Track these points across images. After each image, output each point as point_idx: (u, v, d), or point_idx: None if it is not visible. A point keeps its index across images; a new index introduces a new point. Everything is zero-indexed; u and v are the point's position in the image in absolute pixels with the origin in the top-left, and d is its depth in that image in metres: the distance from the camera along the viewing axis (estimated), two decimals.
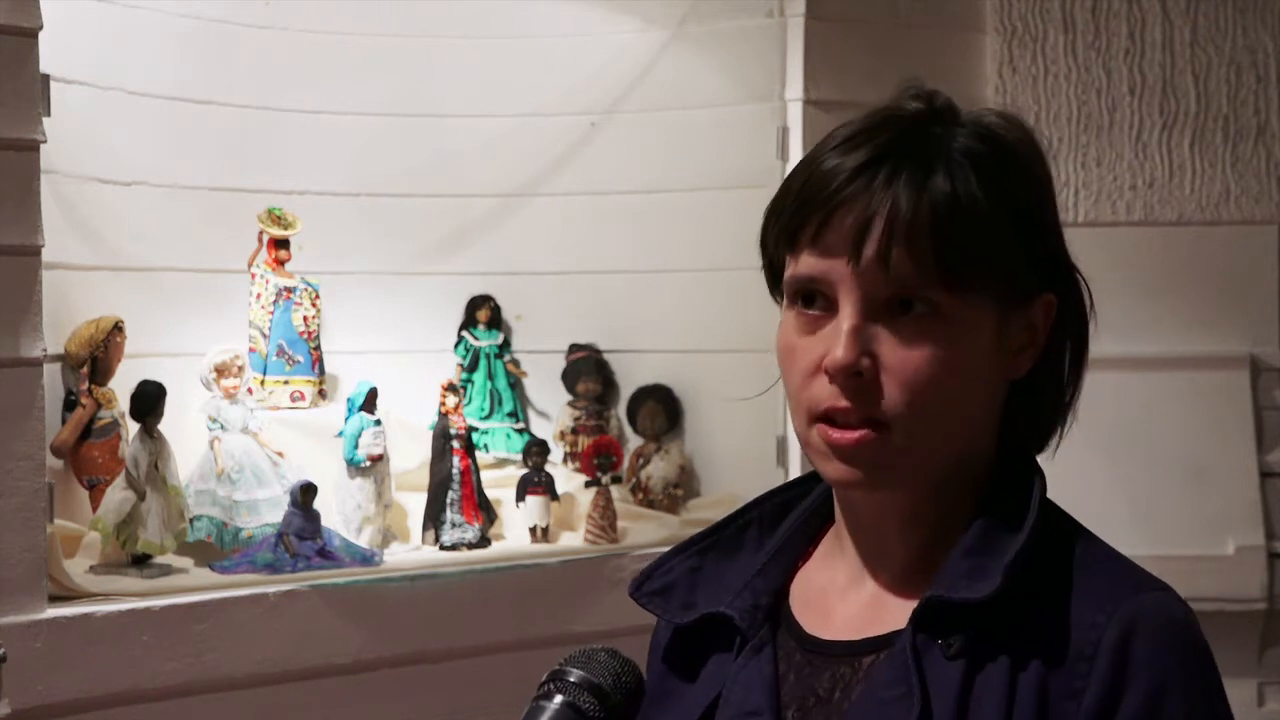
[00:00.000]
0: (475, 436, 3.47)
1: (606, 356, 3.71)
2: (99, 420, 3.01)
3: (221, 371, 3.15)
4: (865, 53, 3.49)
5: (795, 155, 3.44)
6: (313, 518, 3.05)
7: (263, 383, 3.34)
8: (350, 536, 3.13)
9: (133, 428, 2.97)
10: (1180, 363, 3.59)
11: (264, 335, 3.35)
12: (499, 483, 3.45)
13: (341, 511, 3.18)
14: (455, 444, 3.31)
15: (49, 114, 2.69)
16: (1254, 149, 3.66)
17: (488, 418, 3.61)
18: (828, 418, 1.23)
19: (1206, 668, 1.21)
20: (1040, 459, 1.32)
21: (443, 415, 3.34)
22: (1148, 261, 3.64)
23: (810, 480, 1.40)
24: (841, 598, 1.31)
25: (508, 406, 3.64)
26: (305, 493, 3.05)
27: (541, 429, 3.68)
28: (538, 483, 3.37)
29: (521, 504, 3.36)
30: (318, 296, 3.41)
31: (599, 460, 3.41)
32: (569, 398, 3.69)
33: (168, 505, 2.94)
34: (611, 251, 3.69)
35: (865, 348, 1.21)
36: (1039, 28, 3.67)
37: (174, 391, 3.01)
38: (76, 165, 3.06)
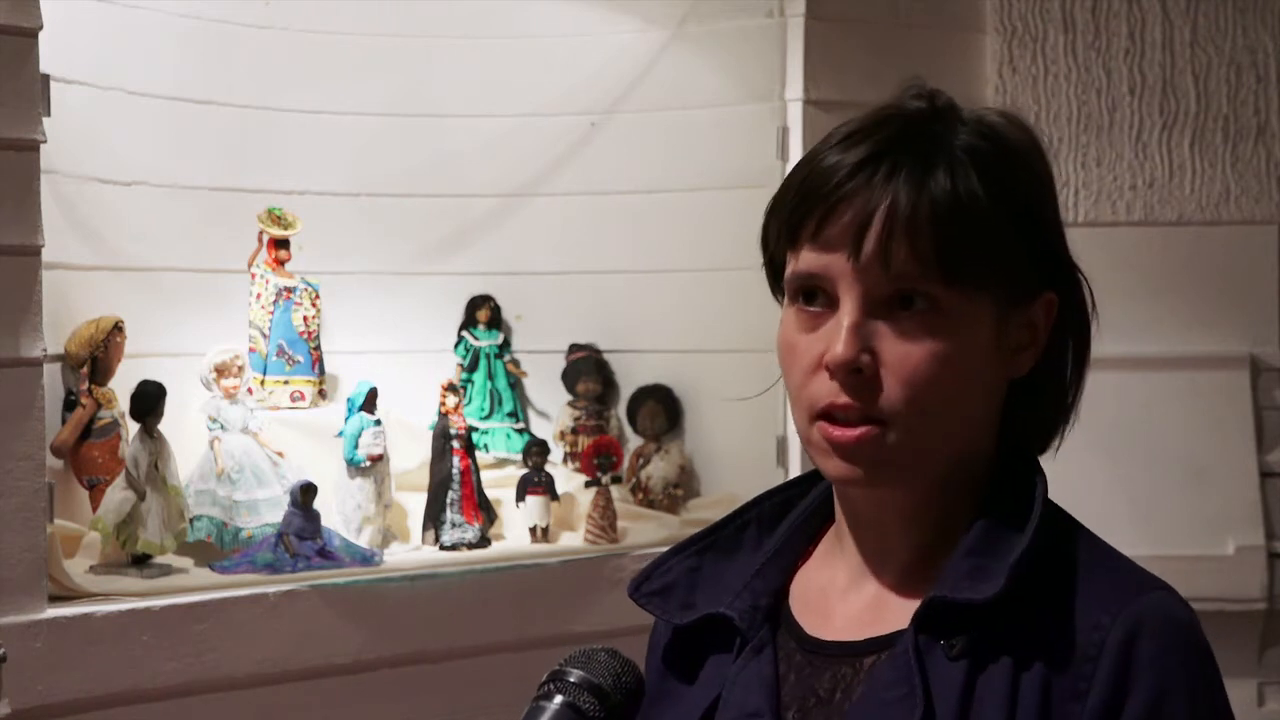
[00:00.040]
0: (475, 436, 3.47)
1: (606, 356, 3.71)
2: (99, 420, 3.01)
3: (221, 371, 3.15)
4: (865, 53, 3.49)
5: (795, 155, 3.44)
6: (313, 518, 3.05)
7: (263, 383, 3.34)
8: (350, 536, 3.13)
9: (133, 428, 2.97)
10: (1180, 363, 3.59)
11: (264, 335, 3.35)
12: (499, 483, 3.45)
13: (341, 511, 3.18)
14: (455, 444, 3.31)
15: (49, 114, 2.69)
16: (1254, 149, 3.66)
17: (488, 418, 3.61)
18: (828, 415, 1.23)
19: (1209, 668, 1.21)
20: (1041, 459, 1.32)
21: (443, 415, 3.34)
22: (1148, 261, 3.64)
23: (809, 480, 1.40)
24: (842, 598, 1.30)
25: (508, 406, 3.64)
26: (305, 493, 3.05)
27: (541, 429, 3.68)
28: (538, 483, 3.37)
29: (521, 504, 3.36)
30: (318, 296, 3.41)
31: (599, 460, 3.41)
32: (569, 398, 3.69)
33: (168, 505, 2.94)
34: (611, 251, 3.69)
35: (865, 344, 1.21)
36: (1039, 28, 3.67)
37: (174, 391, 3.01)
38: (76, 165, 3.06)
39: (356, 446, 3.18)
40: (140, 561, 2.92)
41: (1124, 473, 3.49)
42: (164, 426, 2.97)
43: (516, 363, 3.68)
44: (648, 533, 3.41)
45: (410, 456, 3.38)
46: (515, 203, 3.68)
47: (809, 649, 1.29)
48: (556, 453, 3.60)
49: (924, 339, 1.21)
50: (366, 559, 3.09)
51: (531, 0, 3.63)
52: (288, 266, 3.38)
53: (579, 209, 3.68)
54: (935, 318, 1.21)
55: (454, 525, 3.27)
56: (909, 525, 1.27)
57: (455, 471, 3.30)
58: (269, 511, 3.07)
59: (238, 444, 3.12)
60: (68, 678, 2.66)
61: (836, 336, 1.21)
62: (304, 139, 3.49)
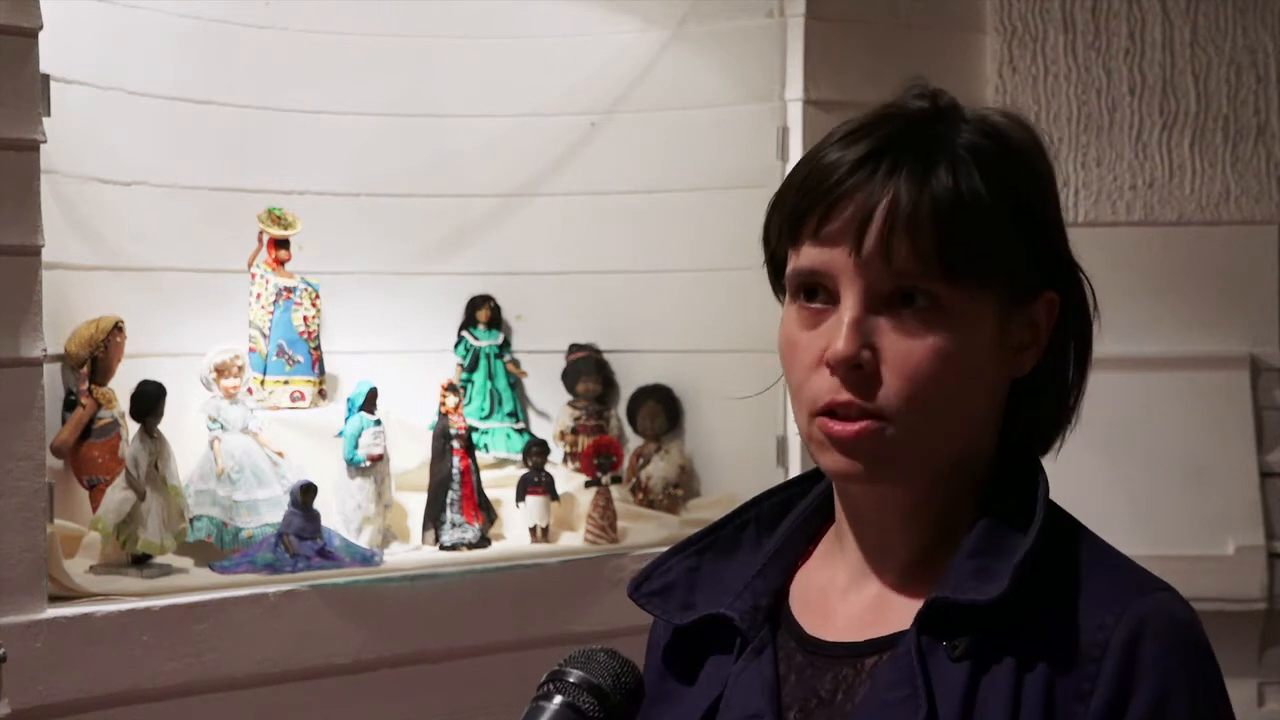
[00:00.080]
0: (475, 436, 3.47)
1: (606, 356, 3.71)
2: (99, 420, 3.01)
3: (221, 371, 3.15)
4: (865, 53, 3.49)
5: (795, 155, 3.44)
6: (313, 518, 3.05)
7: (263, 383, 3.34)
8: (350, 536, 3.13)
9: (133, 428, 2.97)
10: (1180, 363, 3.59)
11: (264, 335, 3.35)
12: (499, 483, 3.45)
13: (341, 511, 3.18)
14: (455, 444, 3.31)
15: (49, 114, 2.69)
16: (1254, 149, 3.66)
17: (488, 418, 3.61)
18: (829, 411, 1.22)
19: (1211, 669, 1.21)
20: (1042, 459, 1.31)
21: (443, 415, 3.34)
22: (1148, 261, 3.64)
23: (809, 479, 1.40)
24: (842, 598, 1.30)
25: (508, 406, 3.64)
26: (305, 493, 3.05)
27: (541, 429, 3.68)
28: (538, 483, 3.37)
29: (521, 504, 3.36)
30: (318, 296, 3.41)
31: (599, 460, 3.41)
32: (569, 398, 3.69)
33: (168, 505, 2.94)
34: (611, 251, 3.69)
35: (866, 340, 1.21)
36: (1039, 28, 3.67)
37: (174, 391, 3.01)
38: (76, 165, 3.06)
39: (356, 446, 3.18)
40: (140, 561, 2.92)
41: (1124, 473, 3.49)
42: (164, 426, 2.97)
43: (516, 363, 3.68)
44: (648, 533, 3.41)
45: (410, 456, 3.38)
46: (515, 203, 3.68)
47: (809, 649, 1.28)
48: (556, 453, 3.60)
49: (925, 336, 1.21)
50: (366, 559, 3.09)
51: (531, 0, 3.63)
52: (288, 266, 3.38)
53: (579, 209, 3.68)
54: (937, 315, 1.21)
55: (454, 525, 3.27)
56: (909, 524, 1.27)
57: (455, 471, 3.30)
58: (269, 511, 3.07)
59: (238, 444, 3.12)
60: (68, 678, 2.66)
61: (837, 332, 1.21)
62: (304, 139, 3.49)
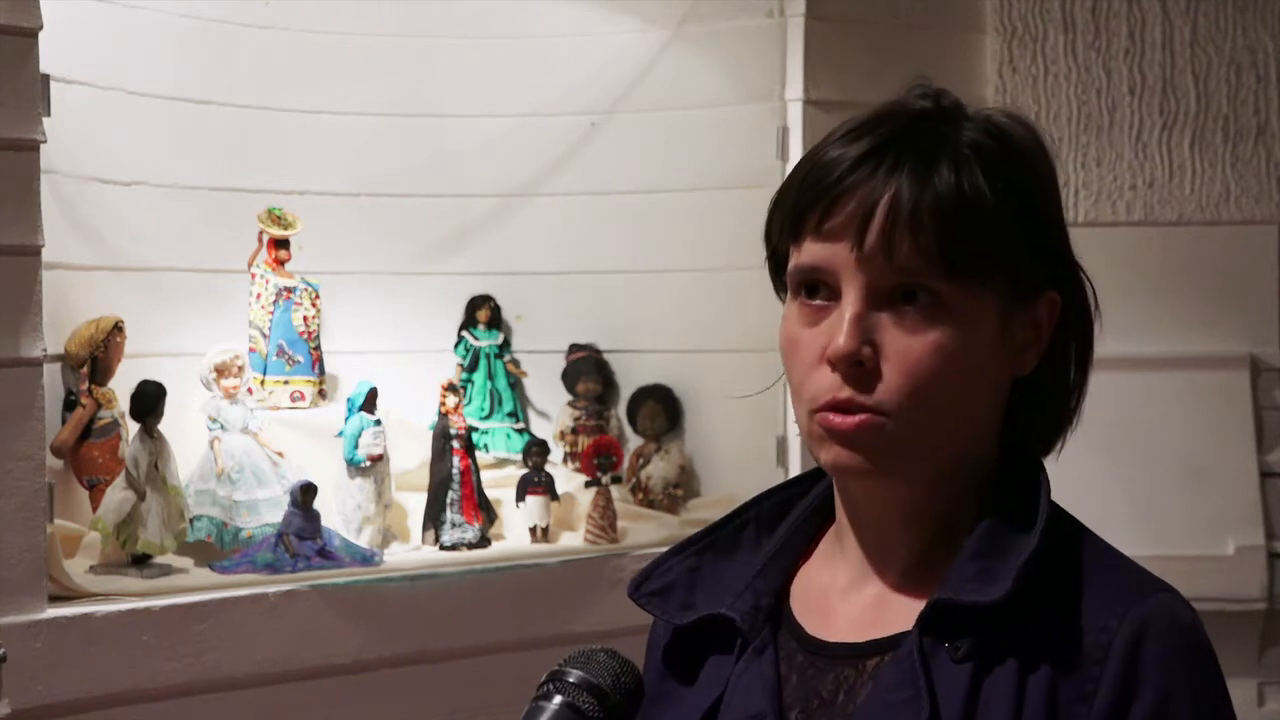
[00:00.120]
0: (475, 436, 3.47)
1: (606, 356, 3.71)
2: (99, 420, 3.01)
3: (221, 371, 3.15)
4: (865, 53, 3.49)
5: (795, 155, 3.44)
6: (313, 518, 3.05)
7: (263, 383, 3.34)
8: (350, 536, 3.13)
9: (133, 428, 2.97)
10: (1180, 363, 3.59)
11: (264, 335, 3.35)
12: (499, 483, 3.45)
13: (341, 511, 3.18)
14: (455, 444, 3.31)
15: (49, 114, 2.69)
16: (1254, 149, 3.66)
17: (488, 418, 3.61)
18: (829, 408, 1.22)
19: (1213, 670, 1.21)
20: (1043, 461, 1.31)
21: (443, 415, 3.34)
22: (1148, 261, 3.64)
23: (808, 479, 1.40)
24: (843, 598, 1.30)
25: (508, 406, 3.64)
26: (305, 493, 3.05)
27: (541, 429, 3.68)
28: (538, 483, 3.37)
29: (521, 504, 3.36)
30: (318, 296, 3.41)
31: (599, 460, 3.41)
32: (569, 398, 3.69)
33: (168, 505, 2.94)
34: (611, 251, 3.69)
35: (867, 336, 1.21)
36: (1039, 28, 3.67)
37: (174, 391, 3.01)
38: (76, 165, 3.06)
39: (356, 446, 3.18)
40: (140, 561, 2.92)
41: (1124, 473, 3.49)
42: (164, 426, 2.97)
43: (516, 363, 3.68)
44: (648, 533, 3.41)
45: (410, 456, 3.38)
46: (515, 203, 3.68)
47: (810, 650, 1.28)
48: (556, 453, 3.60)
49: (926, 332, 1.21)
50: (366, 559, 3.09)
51: (531, 0, 3.63)
52: (288, 266, 3.38)
53: (579, 209, 3.68)
54: (938, 312, 1.21)
55: (454, 525, 3.27)
56: (910, 523, 1.27)
57: (455, 471, 3.30)
58: (269, 511, 3.07)
59: (238, 444, 3.12)
60: (68, 678, 2.66)
61: (838, 329, 1.21)
62: (304, 139, 3.49)
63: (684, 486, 3.61)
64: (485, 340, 3.64)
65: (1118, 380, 3.43)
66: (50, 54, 2.69)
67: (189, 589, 2.88)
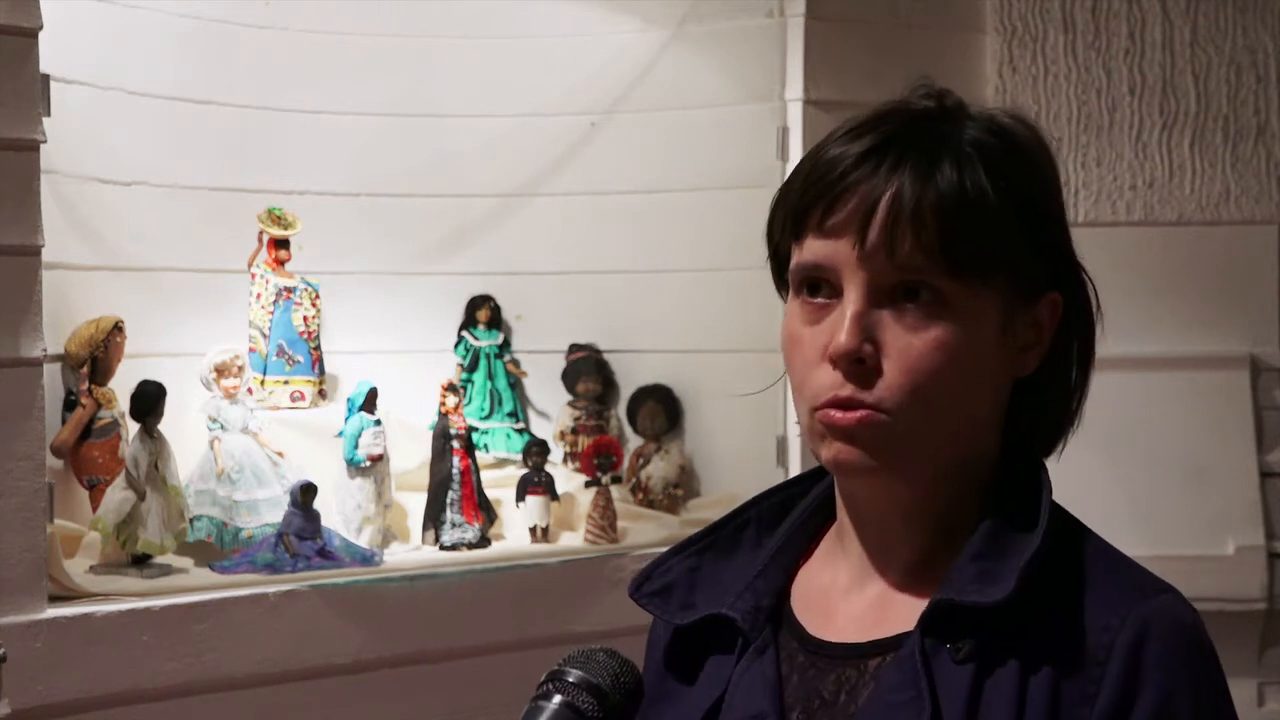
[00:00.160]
0: (475, 436, 3.47)
1: (606, 356, 3.71)
2: (99, 420, 3.01)
3: (221, 371, 3.15)
4: (865, 53, 3.49)
5: (795, 155, 3.44)
6: (313, 518, 3.05)
7: (263, 383, 3.34)
8: (350, 536, 3.13)
9: (133, 428, 2.97)
10: (1180, 363, 3.59)
11: (264, 335, 3.35)
12: (499, 483, 3.45)
13: (341, 511, 3.18)
14: (455, 444, 3.31)
15: (49, 114, 2.69)
16: (1254, 149, 3.66)
17: (488, 418, 3.61)
18: (830, 405, 1.22)
19: (1214, 671, 1.21)
20: (1045, 461, 1.31)
21: (443, 415, 3.34)
22: (1148, 261, 3.64)
23: (808, 479, 1.40)
24: (844, 598, 1.30)
25: (508, 406, 3.64)
26: (305, 493, 3.05)
27: (541, 429, 3.68)
28: (538, 483, 3.37)
29: (521, 504, 3.36)
30: (318, 296, 3.41)
31: (599, 460, 3.41)
32: (569, 398, 3.69)
33: (168, 505, 2.94)
34: (611, 251, 3.69)
35: (869, 334, 1.21)
36: (1039, 28, 3.67)
37: (174, 391, 3.01)
38: (76, 165, 3.06)
39: (356, 446, 3.18)
40: (140, 561, 2.92)
41: (1124, 473, 3.49)
42: (164, 426, 2.97)
43: (516, 363, 3.68)
44: (648, 533, 3.41)
45: (410, 456, 3.38)
46: (515, 203, 3.68)
47: (811, 650, 1.28)
48: (556, 453, 3.60)
49: (928, 330, 1.21)
50: (366, 559, 3.09)
51: (531, 0, 3.63)
52: (288, 266, 3.38)
53: (579, 209, 3.68)
54: (940, 310, 1.21)
55: (454, 525, 3.27)
56: (912, 524, 1.27)
57: (455, 471, 3.30)
58: (269, 511, 3.07)
59: (238, 444, 3.12)
60: (68, 678, 2.66)
61: (840, 326, 1.21)
62: (304, 139, 3.49)
63: (684, 486, 3.61)
64: (485, 340, 3.64)
65: (1118, 380, 3.43)
66: (50, 54, 2.68)
67: (189, 589, 2.88)
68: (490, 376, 3.63)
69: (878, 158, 1.22)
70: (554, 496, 3.38)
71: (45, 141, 2.66)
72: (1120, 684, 1.17)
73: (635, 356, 3.71)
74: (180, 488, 2.99)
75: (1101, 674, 1.17)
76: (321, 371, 3.41)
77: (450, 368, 3.61)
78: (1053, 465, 1.31)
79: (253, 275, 3.36)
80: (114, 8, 3.15)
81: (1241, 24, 3.66)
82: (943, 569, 1.24)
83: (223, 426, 3.12)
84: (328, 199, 3.53)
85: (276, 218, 3.37)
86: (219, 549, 3.05)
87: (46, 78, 2.68)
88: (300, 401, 3.36)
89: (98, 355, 3.01)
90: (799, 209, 1.25)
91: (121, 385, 3.03)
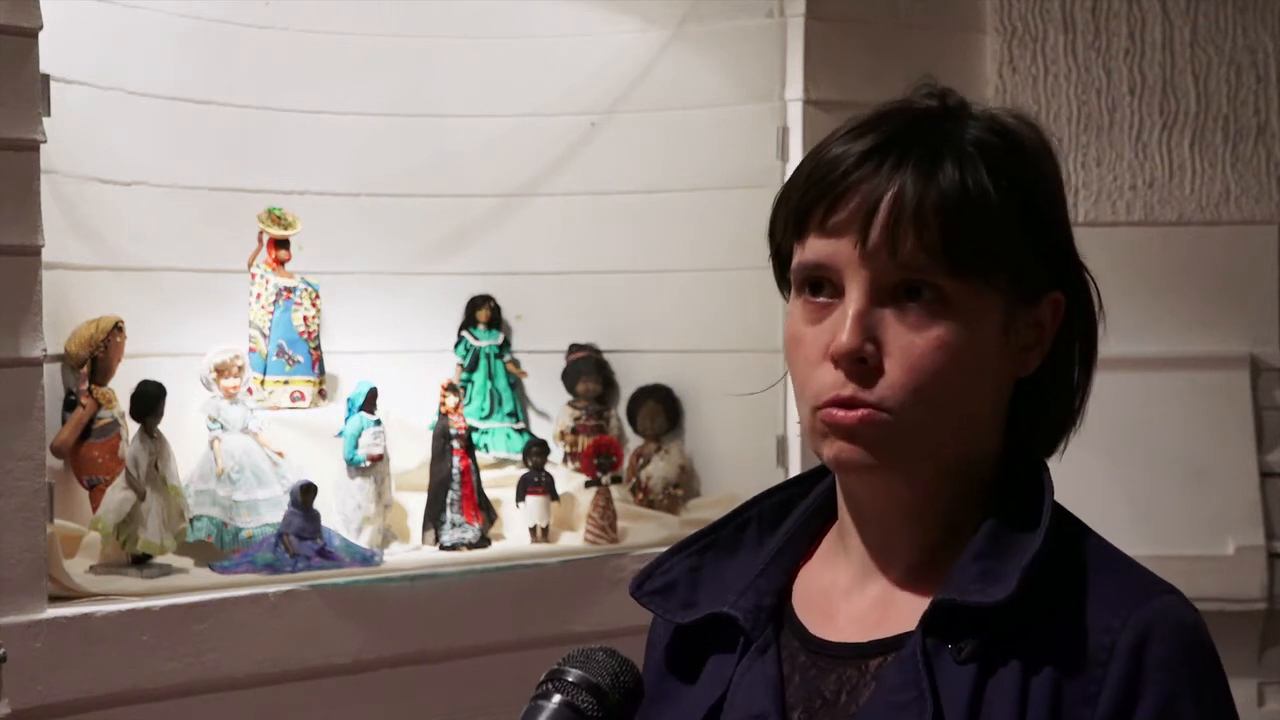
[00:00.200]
0: (475, 436, 3.47)
1: (606, 356, 3.71)
2: (99, 420, 3.01)
3: (221, 371, 3.15)
4: (865, 53, 3.49)
5: (795, 155, 3.44)
6: (313, 518, 3.05)
7: (263, 383, 3.34)
8: (350, 536, 3.13)
9: (133, 428, 2.97)
10: (1180, 363, 3.59)
11: (264, 335, 3.35)
12: (499, 483, 3.45)
13: (341, 511, 3.18)
14: (455, 444, 3.31)
15: (49, 114, 2.69)
16: (1254, 149, 3.66)
17: (488, 418, 3.61)
18: (832, 405, 1.22)
19: (1216, 672, 1.21)
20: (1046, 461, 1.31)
21: (443, 415, 3.34)
22: (1148, 261, 3.64)
23: (809, 479, 1.40)
24: (845, 598, 1.30)
25: (508, 406, 3.64)
26: (305, 493, 3.05)
27: (541, 429, 3.68)
28: (538, 483, 3.37)
29: (521, 504, 3.36)
30: (318, 296, 3.41)
31: (599, 460, 3.41)
32: (569, 398, 3.69)
33: (168, 505, 2.94)
34: (611, 251, 3.69)
35: (870, 333, 1.21)
36: (1039, 28, 3.67)
37: (174, 391, 3.01)
38: (76, 165, 3.06)
39: (356, 446, 3.18)
40: (140, 561, 2.92)
41: (1124, 473, 3.49)
42: (164, 426, 2.97)
43: (516, 363, 3.68)
44: (648, 533, 3.41)
45: (410, 456, 3.38)
46: (515, 203, 3.68)
47: (813, 649, 1.28)
48: (556, 453, 3.60)
49: (929, 329, 1.21)
50: (366, 559, 3.09)
51: (531, 0, 3.63)
52: (288, 266, 3.38)
53: (579, 209, 3.68)
54: (941, 309, 1.21)
55: (454, 525, 3.27)
56: (913, 522, 1.27)
57: (455, 471, 3.30)
58: (269, 511, 3.07)
59: (238, 444, 3.12)
60: (68, 678, 2.66)
61: (841, 326, 1.21)
62: (304, 139, 3.49)
63: (684, 486, 3.61)
64: (485, 340, 3.64)
65: (1118, 380, 3.43)
66: (50, 54, 2.69)
67: (189, 589, 2.88)
68: (490, 376, 3.63)
69: (880, 157, 1.22)
70: (554, 496, 3.38)
71: (45, 141, 2.66)
72: (1122, 685, 1.17)
73: (635, 356, 3.71)
74: (180, 488, 2.99)
75: (1103, 675, 1.17)
76: (321, 371, 3.41)
77: (450, 368, 3.61)
78: (1052, 465, 1.31)
79: (253, 275, 3.36)
80: (114, 8, 3.15)
81: (1241, 24, 3.66)
82: (944, 569, 1.24)
83: (223, 426, 3.12)
84: (328, 199, 3.53)
85: (276, 218, 3.37)
86: (219, 549, 3.05)
87: (46, 78, 2.68)
88: (300, 401, 3.36)
89: (98, 355, 3.01)
90: (801, 208, 1.25)
91: (121, 385, 3.03)
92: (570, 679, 1.23)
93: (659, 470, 3.59)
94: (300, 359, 3.36)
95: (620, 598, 2.79)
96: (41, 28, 2.65)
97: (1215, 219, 3.66)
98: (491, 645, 3.13)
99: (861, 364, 1.21)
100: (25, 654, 2.60)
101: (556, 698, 1.22)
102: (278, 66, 3.46)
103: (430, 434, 3.35)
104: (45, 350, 2.67)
